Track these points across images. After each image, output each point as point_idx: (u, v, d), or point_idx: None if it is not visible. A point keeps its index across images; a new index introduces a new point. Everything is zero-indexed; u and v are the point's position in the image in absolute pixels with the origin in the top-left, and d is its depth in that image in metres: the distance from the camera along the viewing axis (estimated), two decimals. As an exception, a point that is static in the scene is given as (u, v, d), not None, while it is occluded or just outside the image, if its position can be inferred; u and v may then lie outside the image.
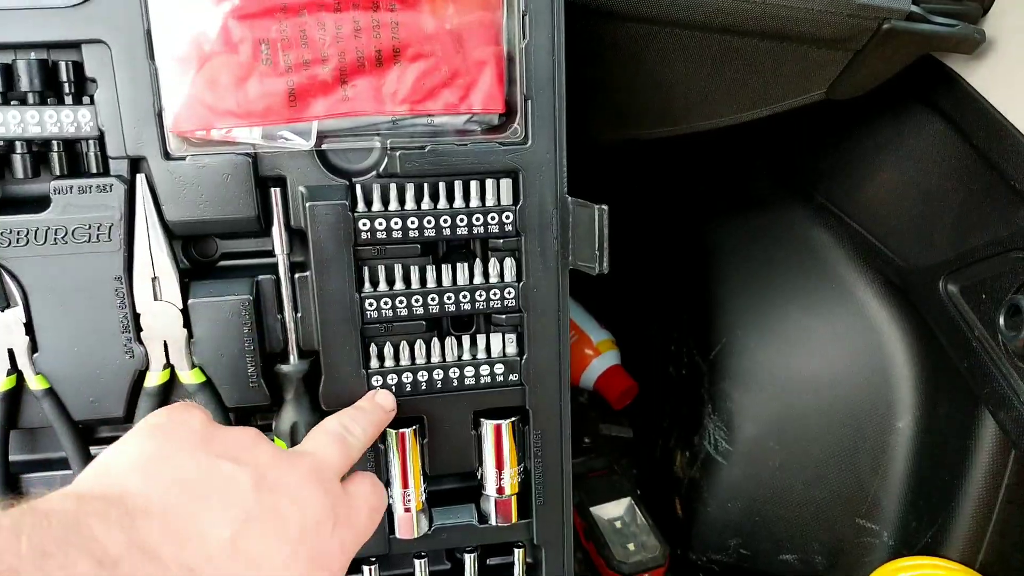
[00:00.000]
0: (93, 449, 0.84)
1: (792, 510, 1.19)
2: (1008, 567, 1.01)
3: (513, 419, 0.88)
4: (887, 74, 0.98)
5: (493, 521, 0.92)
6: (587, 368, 1.54)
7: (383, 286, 0.82)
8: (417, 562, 0.93)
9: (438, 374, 0.85)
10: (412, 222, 0.80)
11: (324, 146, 0.77)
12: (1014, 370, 0.91)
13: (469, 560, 0.94)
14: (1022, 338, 0.87)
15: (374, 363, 0.84)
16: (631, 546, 1.29)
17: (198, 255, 0.83)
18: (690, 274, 1.37)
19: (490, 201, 0.81)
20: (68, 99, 0.74)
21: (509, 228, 0.82)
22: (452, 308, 0.84)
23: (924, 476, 1.09)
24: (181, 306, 0.78)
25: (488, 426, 0.88)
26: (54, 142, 0.75)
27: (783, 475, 1.18)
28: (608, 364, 1.54)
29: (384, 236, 0.80)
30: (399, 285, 0.82)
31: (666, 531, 1.32)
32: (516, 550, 0.95)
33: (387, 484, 0.88)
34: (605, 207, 0.80)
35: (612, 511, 1.34)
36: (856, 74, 0.96)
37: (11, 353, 0.78)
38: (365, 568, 0.92)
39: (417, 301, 0.82)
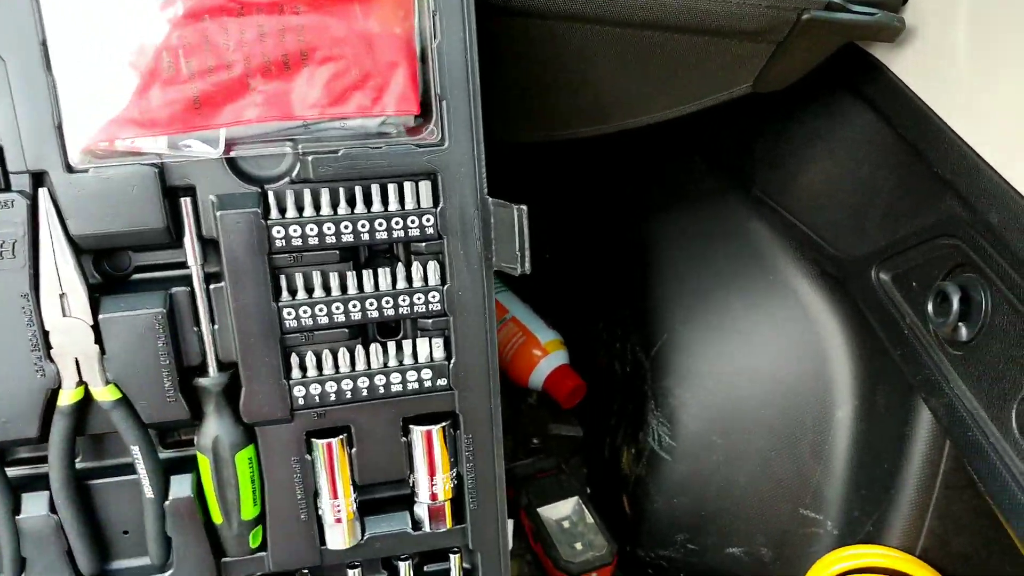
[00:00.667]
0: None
1: (737, 503, 1.19)
2: (948, 552, 1.02)
3: (444, 424, 0.87)
4: (811, 64, 0.98)
5: (427, 528, 0.91)
6: (535, 368, 1.53)
7: (301, 294, 0.80)
8: (351, 572, 0.92)
9: (363, 382, 0.84)
10: (328, 228, 0.78)
11: (233, 153, 0.75)
12: (944, 356, 0.91)
13: (404, 568, 0.93)
14: (950, 324, 0.88)
15: (296, 373, 0.82)
16: (578, 545, 1.28)
17: (111, 269, 0.80)
18: (631, 270, 1.37)
19: (409, 204, 0.80)
20: (-37, 114, 0.72)
21: (430, 231, 0.81)
22: (375, 314, 0.82)
23: (864, 464, 1.09)
24: (91, 322, 0.76)
25: (418, 433, 0.87)
26: (-48, 159, 0.72)
27: (727, 469, 1.18)
28: (556, 364, 1.53)
29: (300, 243, 0.78)
30: (319, 293, 0.81)
31: (615, 529, 1.31)
32: (452, 556, 0.93)
33: (315, 495, 0.87)
34: (524, 207, 0.79)
35: (560, 511, 1.34)
36: (780, 65, 0.96)
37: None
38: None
39: (338, 308, 0.81)
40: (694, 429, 1.19)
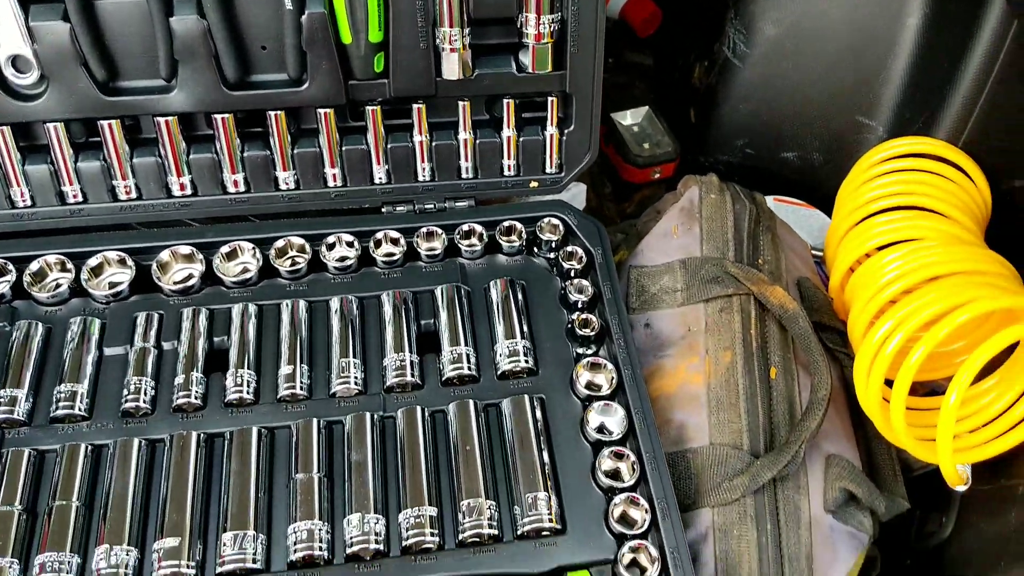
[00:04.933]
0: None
1: (798, 110, 1.29)
2: (988, 146, 1.12)
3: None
4: None
5: (530, 69, 1.02)
6: (613, -5, 1.59)
7: None
8: (461, 104, 1.04)
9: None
10: None
11: None
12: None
13: (507, 106, 1.05)
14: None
15: None
16: (646, 145, 1.41)
17: None
18: None
19: None
20: None
21: None
22: None
23: (925, 68, 1.17)
24: None
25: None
26: None
27: (795, 75, 1.27)
28: (633, -9, 1.59)
29: None
30: None
31: (680, 138, 1.43)
32: (549, 99, 1.05)
33: (434, 24, 0.97)
34: None
35: (631, 118, 1.45)
36: None
37: None
38: (414, 106, 1.04)
39: None
40: (770, 35, 1.26)
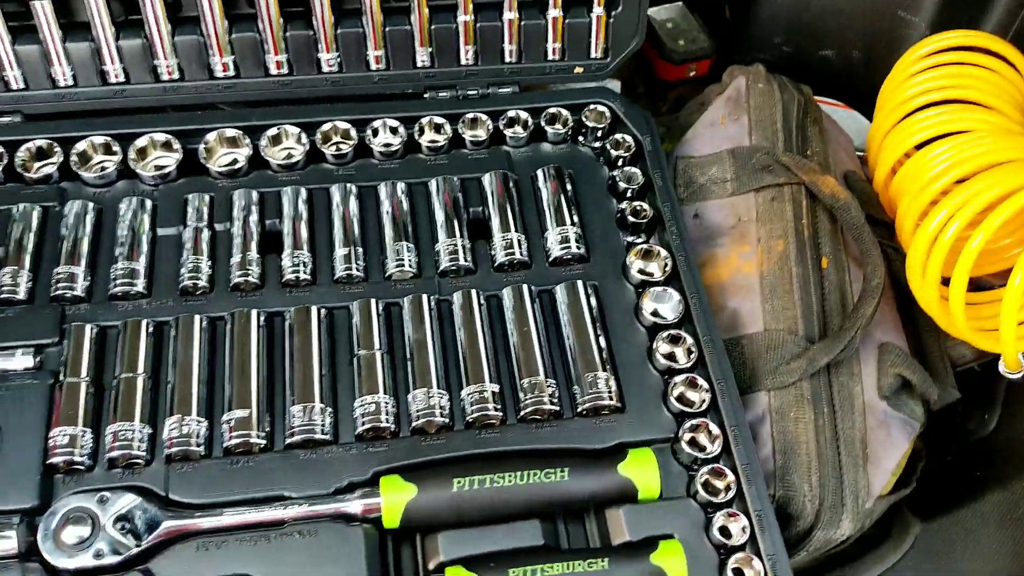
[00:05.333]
0: None
1: (837, 4, 1.27)
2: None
3: None
4: None
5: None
6: None
7: None
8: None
9: None
10: None
11: None
12: None
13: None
14: None
15: None
16: (681, 41, 1.39)
17: None
18: None
19: None
20: None
21: None
22: None
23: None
24: None
25: None
26: None
27: (836, -32, 1.26)
28: None
29: None
30: None
31: (715, 37, 1.41)
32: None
33: None
34: None
35: (665, 13, 1.43)
36: None
37: None
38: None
39: None
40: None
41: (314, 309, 0.91)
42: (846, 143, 1.19)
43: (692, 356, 0.90)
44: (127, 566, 0.78)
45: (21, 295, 0.91)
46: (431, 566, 0.80)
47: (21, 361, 0.87)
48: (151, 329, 0.89)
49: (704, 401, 0.88)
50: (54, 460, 0.81)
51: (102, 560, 0.77)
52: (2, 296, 0.90)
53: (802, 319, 0.95)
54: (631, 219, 1.00)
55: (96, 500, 0.80)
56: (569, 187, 1.03)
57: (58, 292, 0.91)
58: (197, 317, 0.90)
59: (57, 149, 0.99)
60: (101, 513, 0.79)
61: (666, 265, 0.96)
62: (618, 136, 1.06)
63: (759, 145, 1.06)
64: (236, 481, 0.82)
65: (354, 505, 0.80)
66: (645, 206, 1.00)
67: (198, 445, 0.83)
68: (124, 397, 0.84)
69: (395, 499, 0.80)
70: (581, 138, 1.09)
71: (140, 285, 0.92)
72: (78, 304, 0.91)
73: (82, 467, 0.82)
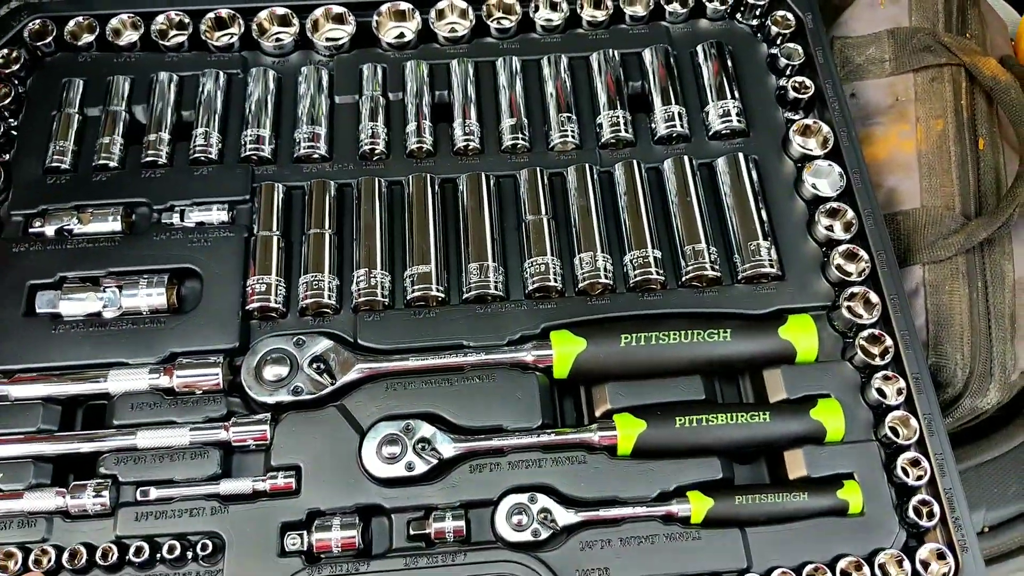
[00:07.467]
0: None
1: None
2: None
3: None
4: None
5: None
6: None
7: None
8: None
9: None
10: None
11: None
12: None
13: None
14: None
15: None
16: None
17: None
18: None
19: None
20: None
21: None
22: None
23: None
24: None
25: None
26: None
27: None
28: None
29: None
30: None
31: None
32: None
33: None
34: None
35: None
36: None
37: None
38: None
39: None
40: None
41: (483, 175, 0.96)
42: (1001, 28, 1.16)
43: (852, 228, 0.92)
44: (322, 403, 0.85)
45: (213, 155, 0.97)
46: (598, 413, 0.86)
47: (217, 215, 0.94)
48: (333, 192, 0.95)
49: (864, 271, 0.90)
50: (251, 306, 0.89)
51: (300, 396, 0.85)
52: (197, 155, 0.97)
53: (959, 197, 0.96)
54: (793, 95, 1.00)
55: (293, 343, 0.88)
56: (729, 63, 1.04)
57: (248, 153, 0.97)
58: (377, 180, 0.95)
59: (238, 19, 1.05)
60: (298, 354, 0.87)
61: (826, 141, 0.97)
62: (779, 13, 1.06)
63: (920, 26, 1.05)
64: (419, 330, 0.88)
65: (527, 355, 0.86)
66: (807, 82, 1.01)
67: (383, 296, 0.89)
68: (314, 250, 0.91)
69: (565, 351, 0.85)
70: (739, 15, 1.09)
71: (322, 149, 0.98)
72: (266, 165, 0.97)
73: (276, 314, 0.89)
